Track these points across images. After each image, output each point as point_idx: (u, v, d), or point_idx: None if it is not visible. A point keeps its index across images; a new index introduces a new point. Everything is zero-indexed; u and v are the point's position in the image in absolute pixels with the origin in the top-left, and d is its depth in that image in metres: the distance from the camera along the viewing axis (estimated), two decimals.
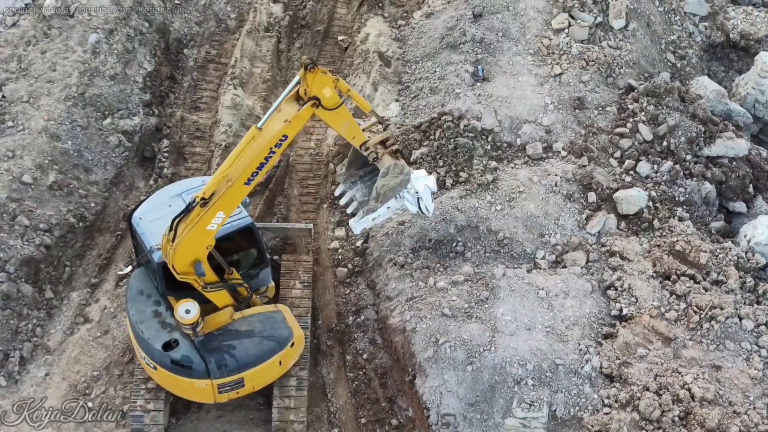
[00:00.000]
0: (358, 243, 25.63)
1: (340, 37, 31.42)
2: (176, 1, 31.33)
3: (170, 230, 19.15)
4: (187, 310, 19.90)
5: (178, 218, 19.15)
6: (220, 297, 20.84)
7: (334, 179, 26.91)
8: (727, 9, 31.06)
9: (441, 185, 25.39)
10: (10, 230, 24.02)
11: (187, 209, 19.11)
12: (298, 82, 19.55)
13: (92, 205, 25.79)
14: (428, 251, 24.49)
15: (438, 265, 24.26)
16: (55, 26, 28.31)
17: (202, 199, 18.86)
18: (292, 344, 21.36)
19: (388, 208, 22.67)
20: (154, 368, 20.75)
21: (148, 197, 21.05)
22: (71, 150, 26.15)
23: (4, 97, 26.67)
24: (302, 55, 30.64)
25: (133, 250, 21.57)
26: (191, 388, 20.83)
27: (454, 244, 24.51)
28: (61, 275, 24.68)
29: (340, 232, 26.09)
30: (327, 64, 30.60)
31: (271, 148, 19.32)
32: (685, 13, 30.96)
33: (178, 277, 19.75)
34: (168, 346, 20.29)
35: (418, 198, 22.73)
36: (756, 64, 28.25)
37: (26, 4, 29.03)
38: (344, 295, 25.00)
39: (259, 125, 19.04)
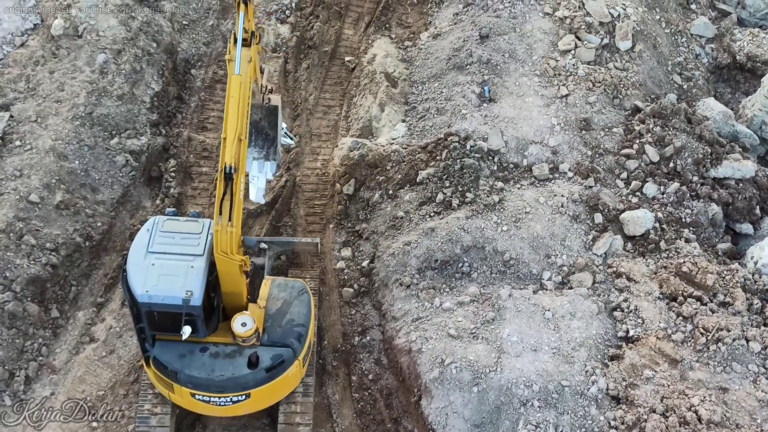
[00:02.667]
0: (365, 263, 25.64)
1: (347, 58, 31.50)
2: (184, 22, 31.45)
3: (220, 215, 19.15)
4: (243, 323, 20.42)
5: (222, 199, 19.09)
6: (246, 284, 21.05)
7: (340, 199, 26.99)
8: (733, 31, 31.08)
9: (447, 206, 25.43)
10: (17, 249, 24.07)
11: (227, 186, 19.00)
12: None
13: (99, 224, 25.85)
14: (434, 272, 24.49)
15: (444, 285, 24.26)
16: (64, 46, 28.42)
17: (234, 167, 18.90)
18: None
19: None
20: (248, 397, 20.94)
21: (125, 272, 20.26)
22: (78, 169, 26.23)
23: (12, 116, 26.78)
24: (309, 75, 30.82)
25: (145, 329, 20.49)
26: (286, 382, 21.53)
27: (460, 264, 24.50)
28: (67, 295, 24.73)
29: (347, 252, 26.10)
30: (334, 84, 30.72)
31: (247, 94, 19.73)
32: (691, 34, 30.99)
33: (237, 259, 19.74)
34: (252, 363, 20.69)
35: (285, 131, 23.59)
36: (763, 86, 28.25)
37: (35, 25, 29.18)
38: (350, 316, 25.00)
39: (237, 72, 19.27)
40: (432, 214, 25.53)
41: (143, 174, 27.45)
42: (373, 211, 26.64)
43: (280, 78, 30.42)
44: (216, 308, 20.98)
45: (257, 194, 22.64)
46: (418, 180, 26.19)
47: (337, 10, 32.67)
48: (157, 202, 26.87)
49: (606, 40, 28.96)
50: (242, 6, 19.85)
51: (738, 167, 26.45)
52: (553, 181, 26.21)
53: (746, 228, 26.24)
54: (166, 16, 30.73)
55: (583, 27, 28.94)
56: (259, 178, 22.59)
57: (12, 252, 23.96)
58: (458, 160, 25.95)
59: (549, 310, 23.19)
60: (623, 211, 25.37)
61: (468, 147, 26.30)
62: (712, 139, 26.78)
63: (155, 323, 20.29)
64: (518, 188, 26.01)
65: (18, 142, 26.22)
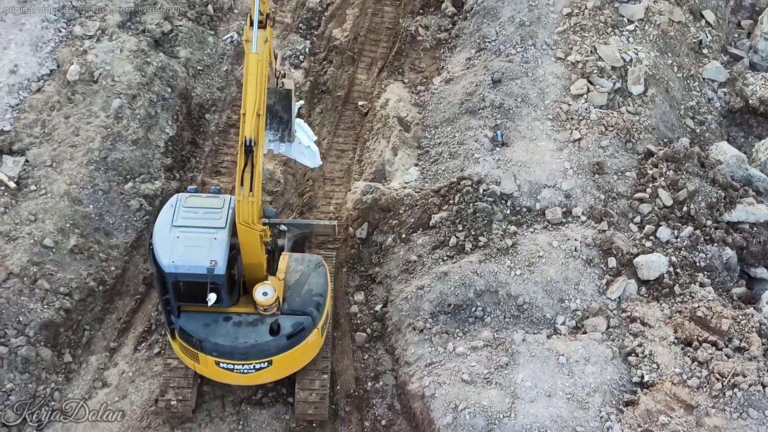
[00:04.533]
0: (377, 308, 25.61)
1: (360, 103, 31.65)
2: (199, 68, 31.68)
3: (241, 185, 20.03)
4: (264, 292, 21.40)
5: (243, 171, 19.97)
6: (265, 256, 21.99)
7: (353, 243, 27.01)
8: (746, 75, 31.14)
9: (461, 249, 25.40)
10: (31, 294, 24.14)
11: (248, 158, 19.88)
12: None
13: (112, 268, 25.91)
14: (447, 316, 24.41)
15: (457, 330, 24.18)
16: (79, 91, 28.65)
17: (254, 141, 19.81)
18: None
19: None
20: (270, 364, 21.92)
21: (152, 246, 21.25)
22: (93, 214, 26.35)
23: (27, 161, 26.95)
24: (323, 120, 30.96)
25: (170, 301, 21.50)
26: (306, 350, 22.57)
27: (474, 308, 24.43)
28: (80, 339, 24.74)
29: (360, 296, 26.07)
30: (347, 129, 30.84)
31: (264, 72, 20.71)
32: (703, 79, 31.06)
33: (258, 228, 20.59)
34: (273, 330, 21.65)
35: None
36: None
37: (51, 70, 29.43)
38: (363, 360, 24.90)
39: (254, 51, 20.18)
40: (445, 258, 25.50)
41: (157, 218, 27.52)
42: (386, 255, 26.64)
43: None
44: (237, 282, 21.88)
45: (315, 159, 24.59)
46: (431, 224, 26.20)
47: (351, 56, 32.91)
48: None
49: (618, 85, 29.06)
50: None
51: (752, 211, 26.36)
52: (566, 225, 26.18)
53: (761, 272, 26.09)
54: (180, 61, 30.98)
55: (595, 71, 29.06)
56: (310, 146, 24.13)
57: (26, 296, 24.03)
58: (471, 204, 25.96)
59: (563, 355, 23.06)
60: (637, 255, 25.29)
61: (481, 191, 26.31)
62: (726, 183, 26.73)
63: (181, 294, 21.22)
64: (531, 232, 25.98)
65: (33, 187, 26.38)
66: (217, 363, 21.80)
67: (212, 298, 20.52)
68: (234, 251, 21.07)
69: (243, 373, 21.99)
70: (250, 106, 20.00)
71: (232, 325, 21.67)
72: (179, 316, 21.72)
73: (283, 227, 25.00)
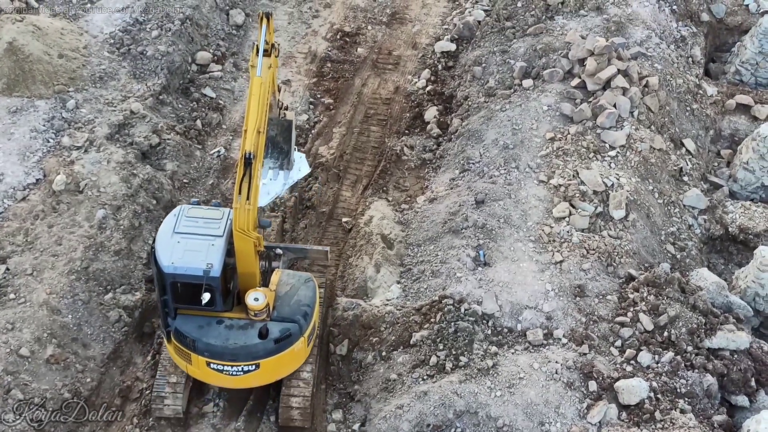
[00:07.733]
0: (356, 426, 25.27)
1: (344, 219, 31.85)
2: (185, 181, 31.90)
3: (239, 194, 21.72)
4: (255, 298, 23.02)
5: (242, 181, 21.73)
6: (259, 266, 23.69)
7: (333, 360, 26.82)
8: (725, 203, 31.56)
9: (441, 369, 25.24)
10: (3, 404, 23.79)
11: (246, 170, 21.65)
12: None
13: (88, 380, 25.61)
14: None
15: None
16: (64, 201, 28.75)
17: (253, 154, 21.66)
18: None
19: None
20: (257, 367, 23.49)
21: (154, 249, 22.95)
22: (71, 324, 26.15)
23: (8, 269, 26.86)
24: (306, 235, 31.07)
25: (168, 302, 23.10)
26: (292, 357, 24.22)
27: (453, 429, 24.14)
28: None
29: (338, 414, 25.76)
30: (330, 245, 30.91)
31: (266, 95, 22.82)
32: (684, 205, 31.44)
33: (253, 236, 22.24)
34: (262, 334, 23.28)
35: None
36: (755, 258, 28.46)
37: (37, 180, 29.57)
38: None
39: (258, 74, 22.45)
40: (425, 378, 25.31)
41: (136, 330, 27.36)
42: (366, 373, 26.43)
43: (278, 236, 30.67)
44: (232, 292, 23.67)
45: (305, 165, 26.91)
46: (411, 342, 26.08)
47: (336, 173, 33.27)
48: (148, 358, 26.63)
49: (600, 209, 29.36)
50: (264, 20, 23.26)
51: (732, 338, 26.35)
52: (547, 347, 26.10)
53: (742, 400, 25.93)
54: (167, 174, 31.22)
55: (577, 195, 29.40)
56: (300, 156, 26.89)
57: None
58: (452, 323, 25.92)
59: None
60: (618, 379, 25.16)
61: (462, 310, 26.30)
62: (706, 309, 26.80)
63: (178, 295, 22.95)
64: (512, 353, 25.88)
65: (12, 295, 26.23)
66: (208, 364, 23.28)
67: (206, 297, 22.11)
68: (230, 266, 22.96)
69: (232, 375, 23.51)
70: (251, 123, 22.01)
71: (224, 328, 23.30)
72: (175, 318, 23.28)
73: (278, 251, 26.41)
